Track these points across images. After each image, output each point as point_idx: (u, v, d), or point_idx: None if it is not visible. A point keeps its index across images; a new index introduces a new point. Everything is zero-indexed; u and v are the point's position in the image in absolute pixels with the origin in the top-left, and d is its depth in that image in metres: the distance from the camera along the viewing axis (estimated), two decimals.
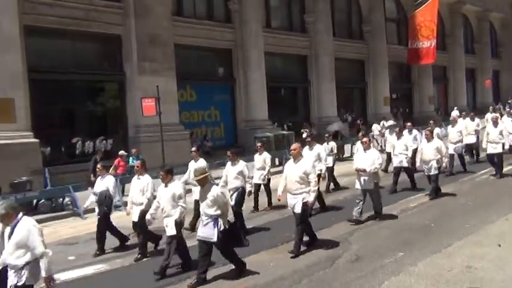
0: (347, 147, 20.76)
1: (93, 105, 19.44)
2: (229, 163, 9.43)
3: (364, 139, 9.74)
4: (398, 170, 12.36)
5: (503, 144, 13.20)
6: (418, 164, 11.77)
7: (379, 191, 9.46)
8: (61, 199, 13.17)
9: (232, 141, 23.73)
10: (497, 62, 46.17)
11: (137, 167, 8.71)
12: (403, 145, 12.45)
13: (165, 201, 7.24)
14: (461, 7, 39.35)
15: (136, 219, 8.33)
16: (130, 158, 15.58)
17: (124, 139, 19.51)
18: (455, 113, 29.90)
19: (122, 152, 15.22)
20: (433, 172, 11.01)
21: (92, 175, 13.58)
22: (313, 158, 10.30)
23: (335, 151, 13.30)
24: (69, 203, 13.04)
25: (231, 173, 9.22)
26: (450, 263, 6.74)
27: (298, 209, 7.58)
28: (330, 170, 12.84)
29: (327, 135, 14.29)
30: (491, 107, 19.60)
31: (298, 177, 7.60)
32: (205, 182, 6.74)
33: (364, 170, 8.99)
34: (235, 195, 9.02)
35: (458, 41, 39.52)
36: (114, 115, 20.19)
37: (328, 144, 13.39)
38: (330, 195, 12.45)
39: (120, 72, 19.70)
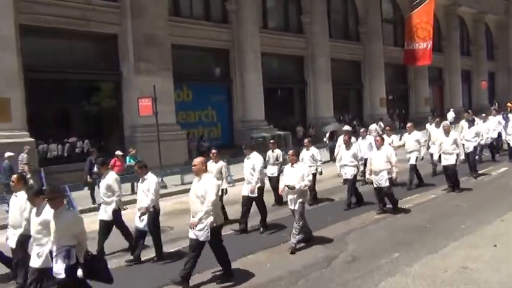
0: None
1: (89, 104, 19.40)
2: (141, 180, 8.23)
3: (290, 152, 8.36)
4: (344, 182, 11.13)
5: (457, 155, 11.68)
6: (367, 175, 10.38)
7: (304, 213, 8.07)
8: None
9: (228, 141, 23.77)
10: (492, 63, 46.42)
11: (13, 182, 7.10)
12: (352, 155, 10.96)
13: (12, 214, 6.35)
14: (457, 9, 39.57)
15: (14, 245, 6.90)
16: (127, 157, 15.58)
17: (120, 139, 19.49)
18: (451, 115, 30.09)
19: (118, 152, 15.19)
20: (385, 184, 9.79)
21: (87, 175, 13.56)
22: (248, 169, 9.48)
23: (280, 159, 11.71)
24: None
25: (139, 191, 8.14)
26: (446, 263, 6.77)
27: (203, 237, 6.44)
28: (275, 180, 11.30)
29: (272, 141, 12.85)
30: (466, 114, 18.58)
31: (200, 197, 6.48)
32: (57, 206, 5.58)
33: (293, 187, 7.85)
34: (146, 217, 7.89)
35: (454, 43, 39.74)
36: (111, 115, 20.16)
37: (273, 152, 11.86)
38: (281, 208, 10.82)
39: (116, 72, 19.68)
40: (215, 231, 6.52)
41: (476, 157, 15.01)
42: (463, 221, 9.03)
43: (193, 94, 23.10)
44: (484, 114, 17.65)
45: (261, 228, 9.39)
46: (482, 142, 15.39)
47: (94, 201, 13.41)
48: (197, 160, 6.75)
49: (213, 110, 24.05)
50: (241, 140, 22.84)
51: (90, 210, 12.88)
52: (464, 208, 10.17)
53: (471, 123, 15.01)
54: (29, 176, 13.56)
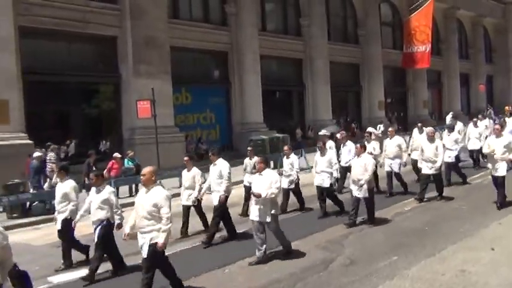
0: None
1: (88, 107, 19.40)
2: (93, 189, 7.59)
3: (258, 159, 7.79)
4: (320, 191, 10.33)
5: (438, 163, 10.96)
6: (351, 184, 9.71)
7: (278, 224, 7.56)
8: (54, 201, 13.08)
9: (227, 144, 23.77)
10: (491, 67, 46.52)
11: None
12: (327, 161, 10.30)
13: None
14: (455, 12, 39.65)
15: None
16: (125, 160, 15.56)
17: (119, 141, 19.47)
18: (449, 117, 30.07)
19: (116, 154, 15.19)
20: (363, 194, 9.23)
21: (85, 178, 13.52)
22: (214, 176, 8.94)
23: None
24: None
25: (94, 202, 7.37)
26: (444, 267, 6.76)
27: (145, 253, 5.95)
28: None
29: (249, 148, 11.71)
30: (449, 116, 17.64)
31: (146, 211, 5.91)
32: None
33: (259, 196, 7.31)
34: (98, 230, 7.31)
35: (453, 46, 39.81)
36: (109, 117, 20.17)
37: (251, 159, 10.95)
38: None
39: (115, 74, 19.67)
40: (160, 250, 5.92)
41: (463, 163, 14.50)
42: (461, 224, 9.02)
43: (192, 96, 23.10)
44: (475, 119, 16.72)
45: (230, 240, 8.87)
46: (472, 147, 14.97)
47: None
48: (146, 169, 6.10)
49: (212, 112, 24.05)
50: (240, 142, 22.88)
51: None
52: (462, 211, 10.16)
53: (451, 130, 14.03)
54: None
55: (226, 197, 8.94)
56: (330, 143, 12.55)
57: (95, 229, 7.37)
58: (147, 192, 6.01)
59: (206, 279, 6.94)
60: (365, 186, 9.17)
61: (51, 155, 14.50)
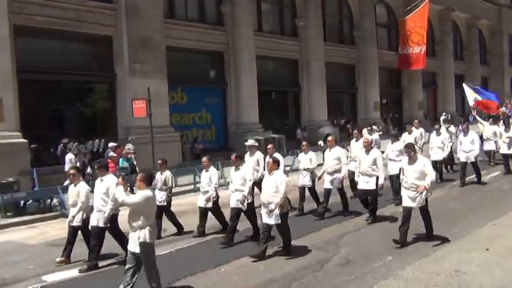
0: None
1: (83, 106, 19.30)
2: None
3: (139, 176, 6.22)
4: (235, 213, 8.65)
5: (377, 178, 9.60)
6: (249, 200, 8.55)
7: (151, 255, 6.13)
8: (49, 200, 13.05)
9: (223, 144, 23.76)
10: (485, 68, 46.76)
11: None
12: (241, 178, 8.65)
13: None
14: (451, 14, 39.84)
15: None
16: (120, 159, 15.51)
17: (114, 141, 19.36)
18: (443, 118, 30.19)
19: (111, 154, 15.14)
20: (274, 220, 7.58)
21: (80, 177, 13.47)
22: (100, 193, 7.73)
23: (170, 184, 9.72)
24: (57, 204, 12.92)
25: None
26: (439, 267, 6.80)
27: None
28: (167, 209, 9.60)
29: (159, 161, 10.11)
30: (408, 125, 14.80)
31: None
32: None
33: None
34: None
35: (448, 48, 39.98)
36: (104, 116, 20.09)
37: (162, 174, 9.56)
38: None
39: (110, 74, 19.60)
40: None
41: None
42: (455, 224, 9.08)
43: (188, 96, 23.06)
44: (436, 126, 14.71)
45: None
46: (434, 158, 13.06)
47: None
48: None
49: (208, 112, 24.01)
50: (235, 142, 22.84)
51: None
52: (457, 212, 10.23)
53: (395, 139, 11.71)
54: (135, 163, 14.94)
55: (115, 216, 7.82)
56: (258, 155, 10.89)
57: None
58: None
59: (202, 278, 6.94)
60: (276, 211, 7.54)
61: (129, 147, 15.59)
